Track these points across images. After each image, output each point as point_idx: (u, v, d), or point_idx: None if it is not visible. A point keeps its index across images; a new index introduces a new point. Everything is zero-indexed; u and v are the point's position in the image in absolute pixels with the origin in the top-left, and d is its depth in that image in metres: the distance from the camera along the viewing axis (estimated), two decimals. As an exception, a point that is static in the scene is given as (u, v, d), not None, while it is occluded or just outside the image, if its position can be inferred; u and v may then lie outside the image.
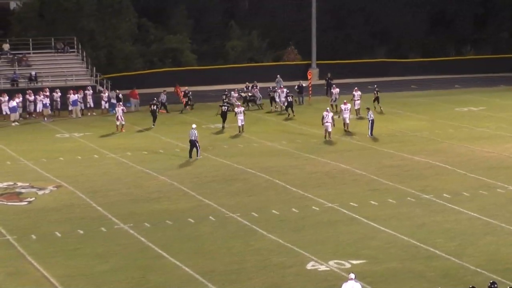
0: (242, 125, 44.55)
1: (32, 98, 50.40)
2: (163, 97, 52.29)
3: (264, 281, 22.49)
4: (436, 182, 33.23)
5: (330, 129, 42.57)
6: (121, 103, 48.41)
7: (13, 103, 48.99)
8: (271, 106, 52.41)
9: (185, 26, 69.07)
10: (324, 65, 65.60)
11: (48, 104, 50.35)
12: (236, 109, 45.36)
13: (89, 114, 51.87)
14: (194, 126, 38.90)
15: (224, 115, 46.00)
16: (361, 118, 47.74)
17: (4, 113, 49.71)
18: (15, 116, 48.91)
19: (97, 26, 63.55)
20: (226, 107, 46.56)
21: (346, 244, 25.49)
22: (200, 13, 70.82)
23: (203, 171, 35.71)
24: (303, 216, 28.63)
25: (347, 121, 44.51)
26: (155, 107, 47.37)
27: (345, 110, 44.56)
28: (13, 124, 48.36)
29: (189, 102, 53.06)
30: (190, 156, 38.16)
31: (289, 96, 50.90)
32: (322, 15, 69.30)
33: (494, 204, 29.80)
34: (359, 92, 50.25)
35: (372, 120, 42.89)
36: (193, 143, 38.10)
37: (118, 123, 45.38)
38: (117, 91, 53.21)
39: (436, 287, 20.46)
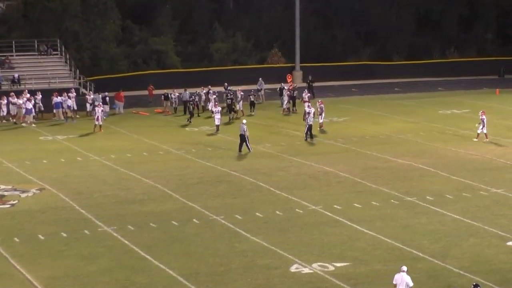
0: (218, 125, 45.18)
1: (14, 100, 50.16)
2: (200, 97, 52.36)
3: (249, 283, 22.51)
4: (420, 184, 33.36)
5: (311, 123, 42.93)
6: (100, 103, 48.43)
7: (30, 105, 49.36)
8: (251, 110, 52.04)
9: (170, 27, 68.83)
10: (309, 68, 65.53)
11: (70, 106, 50.49)
12: (214, 109, 46.04)
13: (72, 116, 51.64)
14: (244, 121, 40.48)
15: (229, 107, 49.59)
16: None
17: (1, 114, 50.06)
18: (29, 118, 49.23)
19: (81, 27, 63.28)
20: (229, 100, 49.63)
21: (331, 246, 25.55)
22: (185, 14, 70.58)
23: (188, 173, 35.69)
24: (288, 218, 28.67)
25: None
26: (189, 105, 49.71)
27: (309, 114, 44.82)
28: (23, 124, 48.73)
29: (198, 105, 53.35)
30: (240, 150, 39.44)
31: (290, 91, 52.94)
32: (308, 16, 69.26)
33: (478, 206, 29.95)
34: (309, 94, 52.57)
35: (310, 125, 42.89)
36: (242, 138, 39.32)
37: (96, 123, 45.71)
38: (93, 93, 53.24)
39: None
